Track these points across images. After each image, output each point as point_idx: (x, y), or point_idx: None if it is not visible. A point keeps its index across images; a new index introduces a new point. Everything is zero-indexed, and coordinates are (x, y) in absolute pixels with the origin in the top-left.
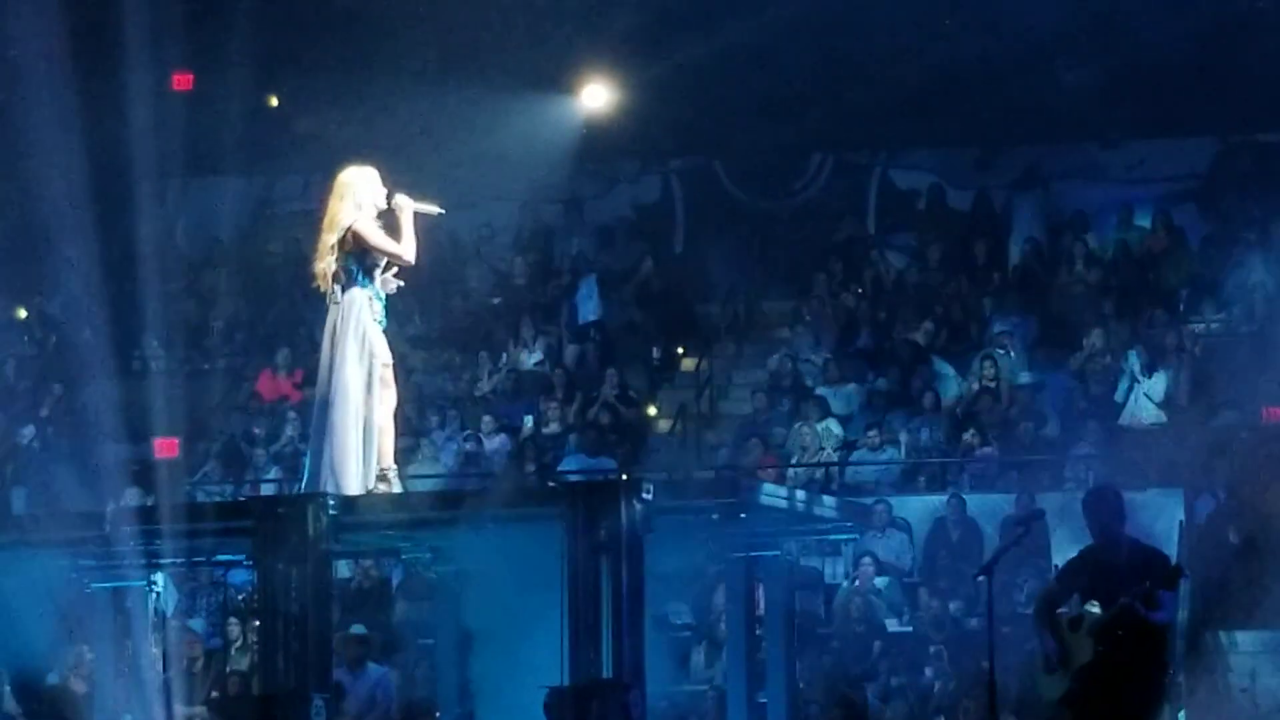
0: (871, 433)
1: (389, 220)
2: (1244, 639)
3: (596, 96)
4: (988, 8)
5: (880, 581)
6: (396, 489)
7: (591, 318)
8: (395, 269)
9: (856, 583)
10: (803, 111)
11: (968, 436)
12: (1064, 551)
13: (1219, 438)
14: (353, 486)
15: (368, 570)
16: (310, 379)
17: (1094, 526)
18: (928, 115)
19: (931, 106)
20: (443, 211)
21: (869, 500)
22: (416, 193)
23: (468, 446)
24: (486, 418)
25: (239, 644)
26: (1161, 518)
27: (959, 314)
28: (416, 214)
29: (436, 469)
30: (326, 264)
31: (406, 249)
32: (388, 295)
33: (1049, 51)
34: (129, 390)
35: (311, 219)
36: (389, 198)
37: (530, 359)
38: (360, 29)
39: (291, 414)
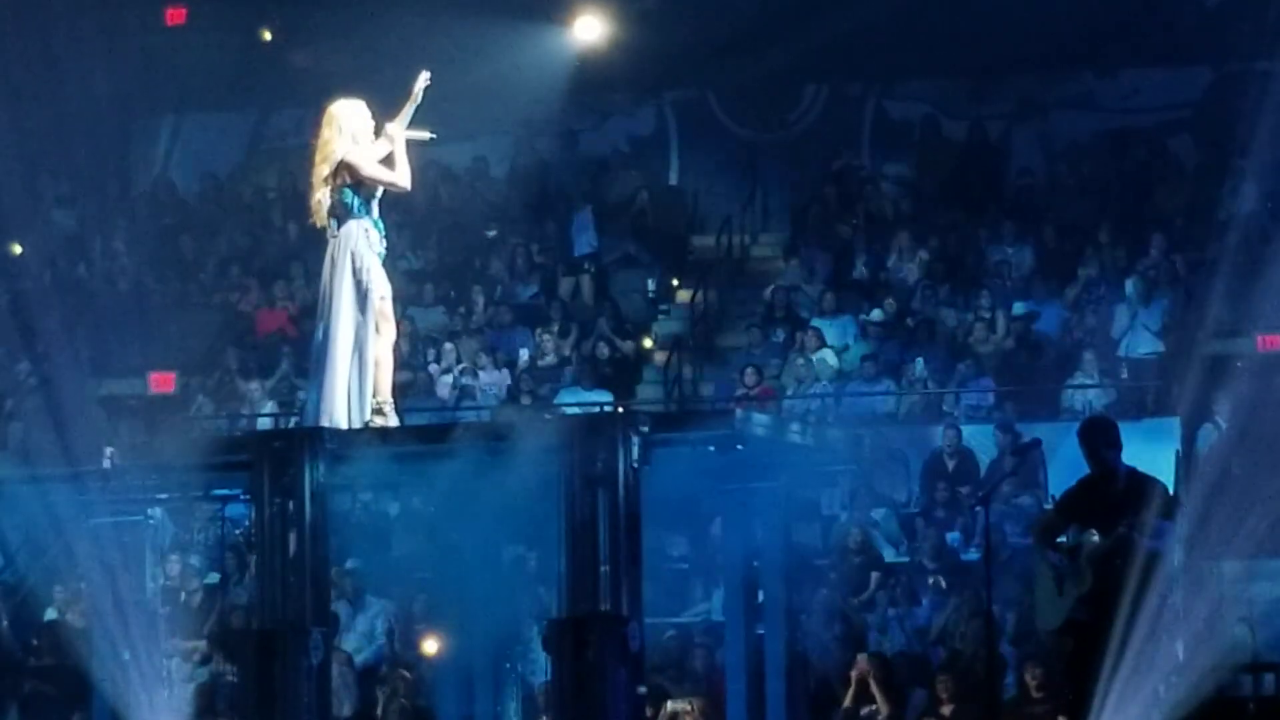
0: (867, 364)
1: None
2: (1242, 568)
3: (590, 28)
4: None
5: (877, 512)
6: (393, 422)
7: (587, 250)
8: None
9: (853, 514)
10: (796, 42)
11: (963, 367)
12: (1060, 481)
13: (1215, 367)
14: (343, 420)
15: (365, 504)
16: (306, 313)
17: (1090, 456)
18: (922, 46)
19: (926, 37)
20: (434, 136)
21: (865, 431)
22: (411, 125)
23: (463, 380)
24: (482, 351)
25: (237, 579)
26: (1158, 447)
27: (954, 245)
28: (409, 142)
29: (432, 402)
30: (322, 197)
31: (401, 176)
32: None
33: None
34: (125, 325)
35: (306, 153)
36: (379, 128)
37: (525, 292)
38: None
39: (287, 348)
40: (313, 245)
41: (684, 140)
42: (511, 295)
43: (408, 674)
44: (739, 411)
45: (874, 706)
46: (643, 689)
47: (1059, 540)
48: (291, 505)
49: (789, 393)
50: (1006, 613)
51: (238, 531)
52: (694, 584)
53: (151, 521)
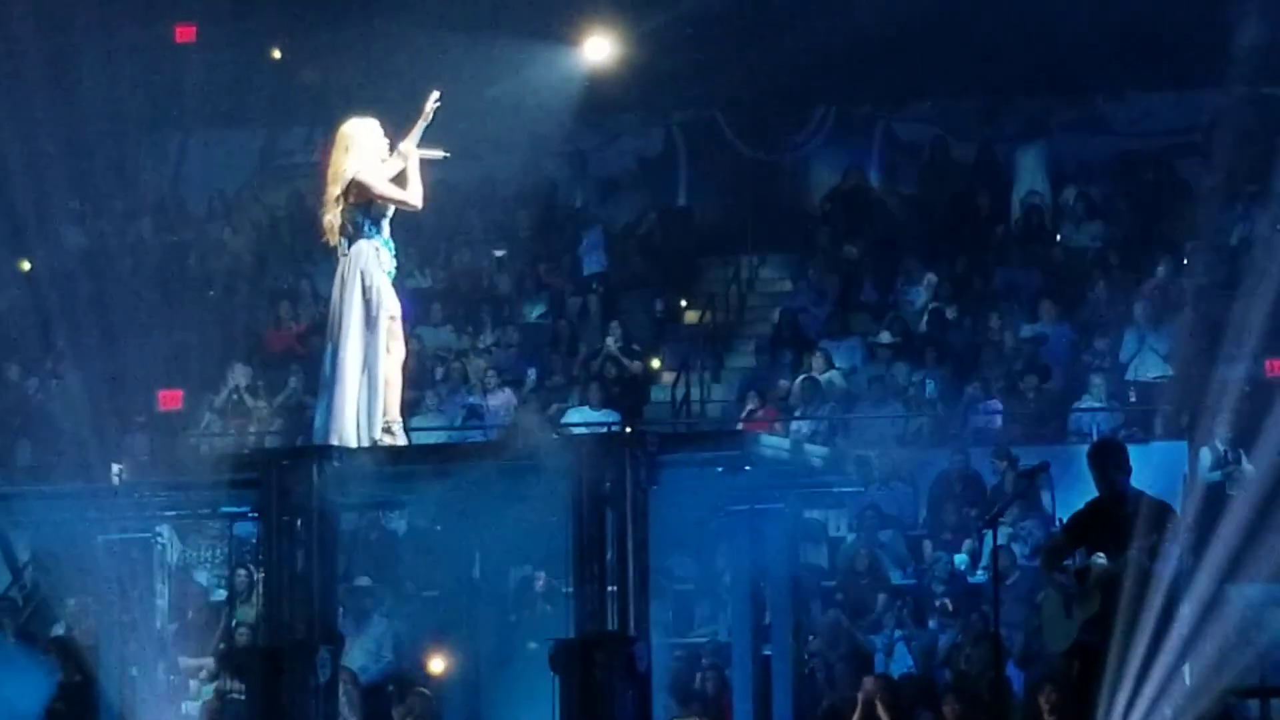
0: (874, 386)
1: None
2: (1250, 592)
3: (599, 49)
4: None
5: (884, 534)
6: (401, 441)
7: (596, 269)
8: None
9: (860, 535)
10: (806, 63)
11: (971, 389)
12: (1067, 505)
13: (1223, 391)
14: (351, 439)
15: (373, 523)
16: (314, 331)
17: (1099, 479)
18: (931, 68)
19: (935, 59)
20: (449, 155)
21: (872, 453)
22: (421, 144)
23: (471, 400)
24: (490, 371)
25: (244, 596)
26: (1166, 471)
27: (963, 267)
28: (422, 160)
29: (440, 422)
30: (333, 216)
31: (413, 195)
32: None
33: (1052, 3)
34: (133, 342)
35: (315, 171)
36: (392, 147)
37: (533, 312)
38: None
39: (295, 366)
40: (322, 263)
41: (692, 161)
42: (519, 315)
43: (426, 692)
44: (747, 433)
45: None
46: None
47: (1066, 563)
48: (299, 523)
49: (796, 414)
50: (1013, 635)
51: (245, 549)
52: (701, 604)
53: (159, 538)
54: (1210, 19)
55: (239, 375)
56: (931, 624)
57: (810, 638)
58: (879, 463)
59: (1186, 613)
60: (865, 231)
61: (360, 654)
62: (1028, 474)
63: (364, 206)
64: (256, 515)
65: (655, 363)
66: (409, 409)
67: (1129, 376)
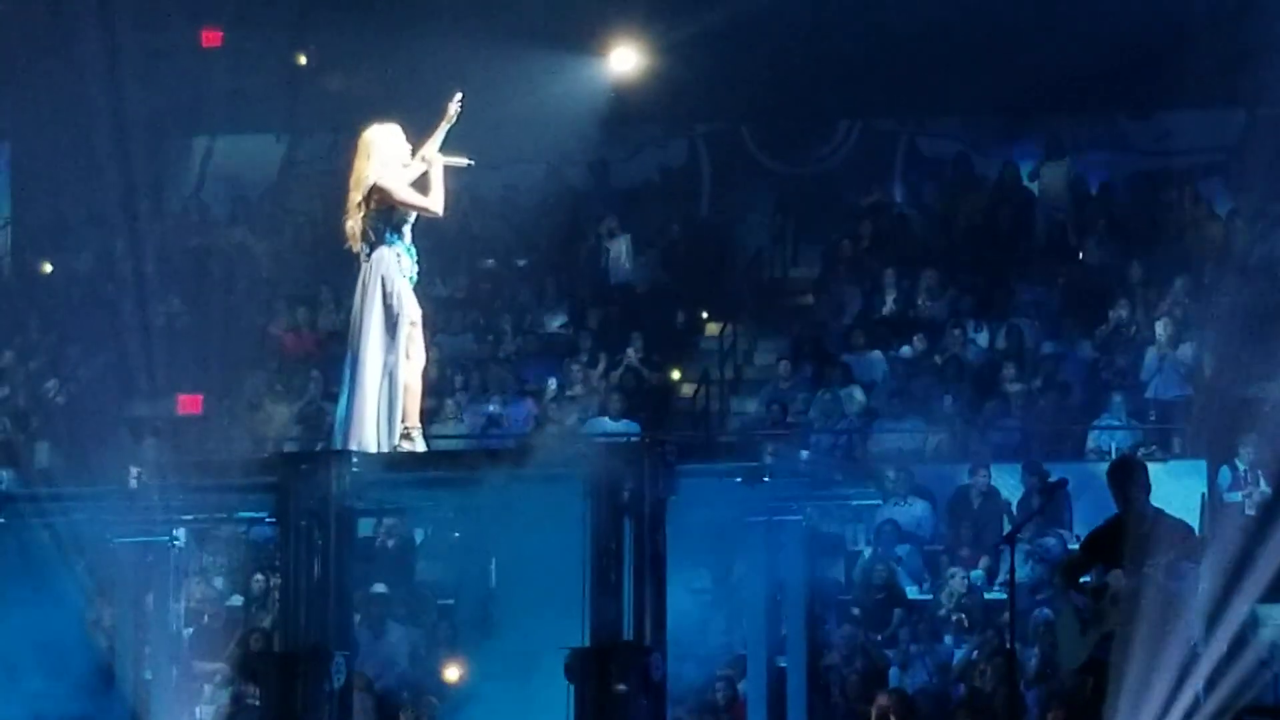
0: (895, 400)
1: (419, 178)
2: (1266, 611)
3: (624, 60)
4: None
5: (901, 549)
6: (420, 448)
7: (624, 279)
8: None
9: (878, 550)
10: (830, 77)
11: (991, 405)
12: (1085, 522)
13: (1244, 410)
14: (371, 444)
15: (390, 529)
16: (334, 336)
17: (1119, 497)
18: (955, 84)
19: (959, 75)
20: (472, 163)
21: (891, 468)
22: (443, 150)
23: (491, 408)
24: (510, 380)
25: (260, 601)
26: (1185, 489)
27: (984, 283)
28: (446, 168)
29: (459, 430)
30: (354, 222)
31: (434, 202)
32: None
33: (1077, 21)
34: (153, 346)
35: (338, 177)
36: (414, 152)
37: (554, 321)
38: None
39: (315, 372)
40: (343, 269)
41: (716, 173)
42: (540, 324)
43: (433, 699)
44: (766, 445)
45: None
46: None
47: (1084, 580)
48: (316, 528)
49: (816, 427)
50: (1029, 651)
51: (262, 554)
52: (717, 616)
53: (176, 543)
54: (1233, 38)
55: (259, 380)
56: (947, 639)
57: (825, 651)
58: (896, 478)
59: (1201, 631)
60: (887, 246)
61: (375, 661)
62: (1046, 491)
63: (385, 213)
64: (274, 520)
65: (675, 374)
66: (428, 416)
67: (1149, 395)
